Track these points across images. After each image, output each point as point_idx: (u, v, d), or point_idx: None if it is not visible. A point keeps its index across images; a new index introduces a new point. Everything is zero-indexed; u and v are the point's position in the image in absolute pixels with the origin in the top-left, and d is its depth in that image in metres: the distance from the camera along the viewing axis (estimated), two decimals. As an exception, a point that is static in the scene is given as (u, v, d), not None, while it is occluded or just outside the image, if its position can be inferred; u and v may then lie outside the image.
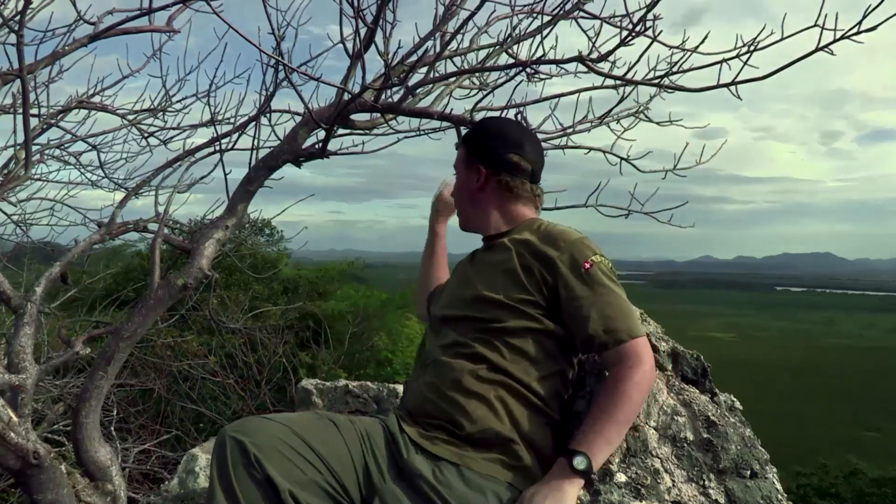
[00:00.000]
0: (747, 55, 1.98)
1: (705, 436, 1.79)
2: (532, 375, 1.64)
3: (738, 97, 2.06)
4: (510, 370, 1.63)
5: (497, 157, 1.83)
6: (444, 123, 2.48)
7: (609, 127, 2.62)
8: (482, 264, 1.82)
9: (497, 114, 2.53)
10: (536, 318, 1.66)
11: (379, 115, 2.35)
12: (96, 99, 3.01)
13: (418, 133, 2.59)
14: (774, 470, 1.79)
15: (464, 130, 2.35)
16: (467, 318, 1.70)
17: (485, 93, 2.48)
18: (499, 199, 1.85)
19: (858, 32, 1.81)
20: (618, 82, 2.38)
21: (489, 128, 1.94)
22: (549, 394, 1.66)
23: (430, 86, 2.34)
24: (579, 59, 2.17)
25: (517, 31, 2.36)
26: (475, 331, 1.68)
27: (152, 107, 3.07)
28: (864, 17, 1.78)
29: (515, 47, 2.36)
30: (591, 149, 2.61)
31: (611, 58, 2.19)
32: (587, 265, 1.65)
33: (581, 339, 1.65)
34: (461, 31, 2.24)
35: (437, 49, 2.25)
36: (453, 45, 2.29)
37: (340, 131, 2.39)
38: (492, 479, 1.52)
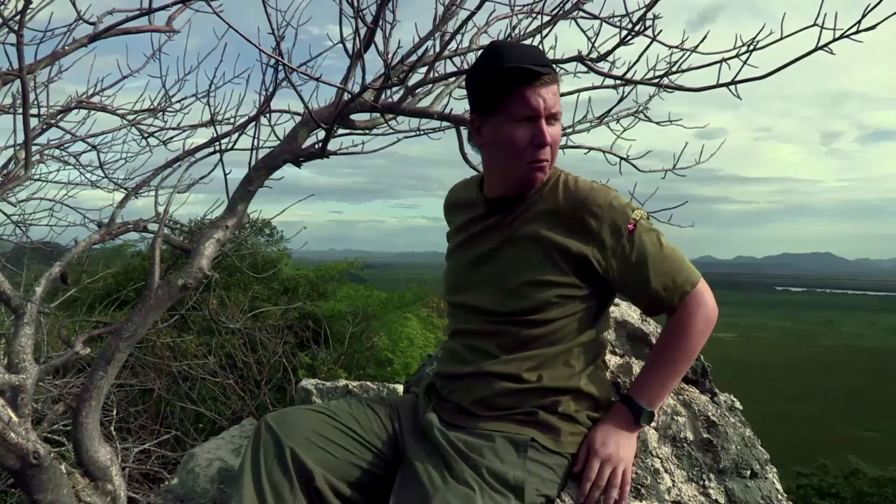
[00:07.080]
0: (747, 55, 1.98)
1: (705, 436, 1.79)
2: (568, 358, 1.58)
3: (738, 97, 2.06)
4: (546, 367, 1.56)
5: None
6: (444, 123, 2.49)
7: (609, 127, 2.63)
8: (504, 241, 1.62)
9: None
10: (573, 297, 1.56)
11: (379, 115, 2.35)
12: (96, 99, 3.01)
13: (418, 133, 2.59)
14: (774, 470, 1.79)
15: (464, 131, 2.35)
16: (490, 311, 1.60)
17: (485, 93, 2.47)
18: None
19: (858, 31, 1.81)
20: (617, 82, 2.39)
21: (477, 59, 1.65)
22: (586, 361, 1.60)
23: (430, 86, 2.34)
24: (579, 58, 2.17)
25: (517, 31, 2.36)
26: (501, 324, 1.58)
27: (152, 107, 3.07)
28: (864, 16, 1.79)
29: (515, 47, 2.36)
30: (590, 149, 2.62)
31: (610, 57, 2.19)
32: (630, 227, 1.55)
33: (643, 303, 1.59)
34: (461, 31, 2.24)
35: (437, 49, 2.25)
36: (453, 45, 2.29)
37: (340, 131, 2.40)
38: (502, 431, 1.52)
